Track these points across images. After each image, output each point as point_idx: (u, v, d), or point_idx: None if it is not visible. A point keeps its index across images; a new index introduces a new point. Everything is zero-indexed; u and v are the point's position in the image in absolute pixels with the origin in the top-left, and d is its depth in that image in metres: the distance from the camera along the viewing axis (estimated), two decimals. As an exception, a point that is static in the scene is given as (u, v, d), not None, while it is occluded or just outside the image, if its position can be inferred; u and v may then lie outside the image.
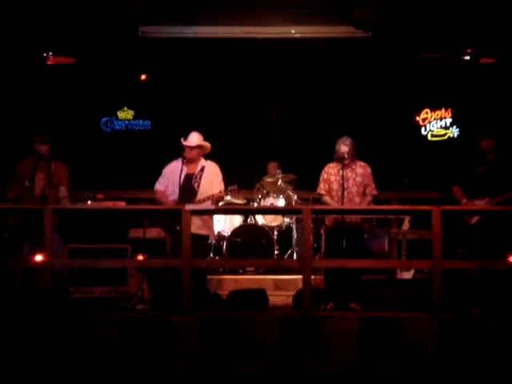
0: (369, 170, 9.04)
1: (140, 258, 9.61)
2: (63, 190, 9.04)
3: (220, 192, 8.63)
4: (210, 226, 8.96)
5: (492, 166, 8.64)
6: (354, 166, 8.96)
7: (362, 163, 9.05)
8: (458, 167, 9.04)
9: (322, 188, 9.08)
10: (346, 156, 8.83)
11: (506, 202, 8.38)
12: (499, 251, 8.25)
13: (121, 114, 13.98)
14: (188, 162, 8.76)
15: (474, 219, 8.61)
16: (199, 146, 8.76)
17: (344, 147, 8.87)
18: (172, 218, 8.52)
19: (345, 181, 8.80)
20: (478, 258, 8.10)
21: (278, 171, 11.84)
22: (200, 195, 8.59)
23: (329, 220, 9.06)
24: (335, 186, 8.93)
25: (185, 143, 8.72)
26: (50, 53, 12.48)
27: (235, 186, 8.85)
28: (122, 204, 10.41)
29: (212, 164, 8.86)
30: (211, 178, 8.72)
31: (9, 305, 7.71)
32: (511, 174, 8.56)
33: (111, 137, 13.93)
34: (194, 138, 8.76)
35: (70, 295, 8.78)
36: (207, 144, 8.86)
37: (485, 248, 8.35)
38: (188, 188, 8.65)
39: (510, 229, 8.62)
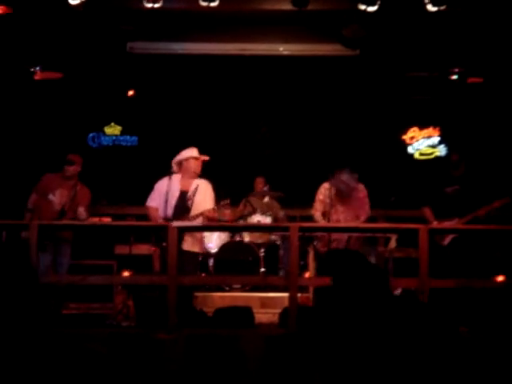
0: (365, 192, 9.05)
1: (126, 274, 9.55)
2: (82, 212, 9.10)
3: (214, 209, 8.68)
4: (202, 243, 9.06)
5: (461, 185, 8.59)
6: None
7: (359, 186, 9.04)
8: (427, 188, 9.01)
9: (317, 209, 9.06)
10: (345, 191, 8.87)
11: (475, 221, 8.36)
12: (479, 270, 8.24)
13: (108, 130, 13.95)
14: (190, 177, 8.82)
15: (447, 240, 8.55)
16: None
17: (344, 186, 8.89)
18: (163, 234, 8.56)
19: (340, 205, 8.86)
20: (458, 277, 8.07)
21: (265, 188, 11.81)
22: (193, 213, 8.63)
23: (322, 245, 9.07)
24: (329, 209, 8.91)
25: (203, 157, 8.89)
26: (38, 68, 12.45)
27: (227, 201, 8.92)
28: (108, 220, 10.36)
29: (205, 182, 8.90)
30: (204, 196, 8.77)
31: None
32: (480, 193, 8.50)
33: (98, 152, 13.88)
34: (203, 156, 8.96)
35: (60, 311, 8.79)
36: None
37: (462, 268, 8.30)
38: (182, 205, 8.69)
39: (488, 248, 8.63)
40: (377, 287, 4.16)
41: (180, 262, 7.92)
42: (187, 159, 8.83)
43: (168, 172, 8.84)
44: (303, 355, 6.83)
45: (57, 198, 9.13)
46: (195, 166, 8.81)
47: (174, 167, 8.89)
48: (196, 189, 8.74)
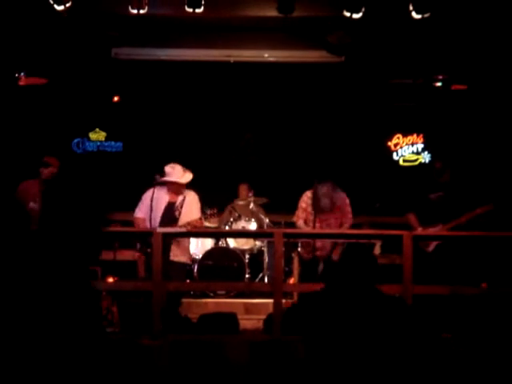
0: (347, 200, 9.06)
1: (110, 280, 9.53)
2: None
3: (200, 219, 8.71)
4: (189, 253, 9.09)
5: (446, 192, 8.63)
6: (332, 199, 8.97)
7: (341, 194, 9.05)
8: (412, 194, 9.04)
9: (299, 216, 9.07)
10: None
11: (460, 228, 8.40)
12: (463, 277, 8.27)
13: (93, 136, 13.90)
14: (175, 193, 8.81)
15: (432, 246, 8.59)
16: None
17: (325, 200, 8.88)
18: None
19: (322, 213, 8.86)
20: (442, 284, 8.10)
21: (250, 194, 11.80)
22: (180, 223, 8.65)
23: (306, 252, 9.08)
24: (312, 217, 8.92)
25: (181, 181, 8.71)
26: (22, 73, 12.41)
27: (214, 210, 8.93)
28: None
29: (192, 193, 8.91)
30: (191, 207, 8.79)
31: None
32: (464, 200, 8.54)
33: (83, 158, 13.83)
34: (187, 176, 8.78)
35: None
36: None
37: (446, 274, 8.33)
38: (170, 216, 8.71)
39: (472, 254, 8.66)
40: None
41: (167, 272, 7.94)
42: (172, 183, 8.79)
43: (153, 183, 8.82)
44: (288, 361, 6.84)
45: (38, 204, 8.97)
46: (179, 189, 8.78)
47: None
48: (183, 200, 8.76)
